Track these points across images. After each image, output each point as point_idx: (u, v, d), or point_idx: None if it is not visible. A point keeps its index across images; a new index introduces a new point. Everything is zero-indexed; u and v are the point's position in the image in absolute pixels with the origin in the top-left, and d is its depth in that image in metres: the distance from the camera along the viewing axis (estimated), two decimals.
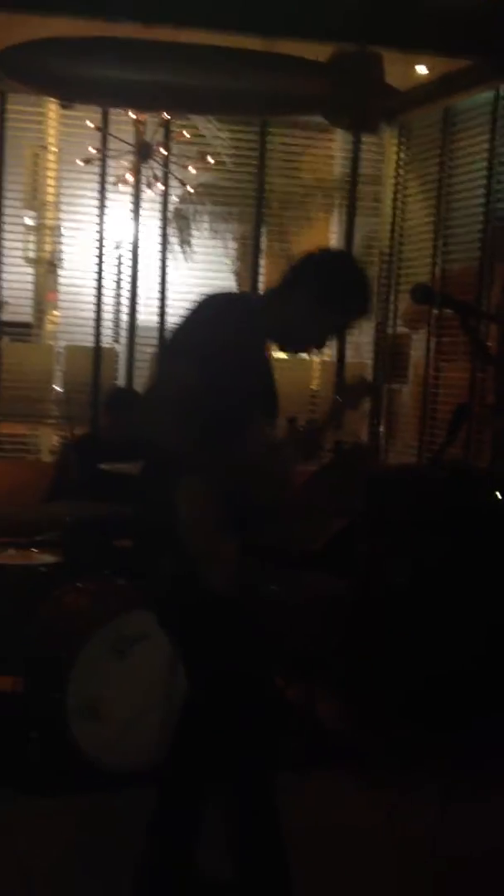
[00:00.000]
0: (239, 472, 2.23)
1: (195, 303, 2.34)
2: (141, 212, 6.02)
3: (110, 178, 5.90)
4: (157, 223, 6.13)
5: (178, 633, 2.43)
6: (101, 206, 5.96)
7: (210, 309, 2.34)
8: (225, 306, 2.37)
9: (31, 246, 6.66)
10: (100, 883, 2.63)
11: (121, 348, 6.57)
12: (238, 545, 2.22)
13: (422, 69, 5.74)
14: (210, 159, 6.13)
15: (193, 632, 2.31)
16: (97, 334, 6.04)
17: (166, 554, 2.24)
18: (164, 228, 6.17)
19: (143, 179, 5.83)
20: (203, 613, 2.25)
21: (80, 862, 2.80)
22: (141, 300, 6.13)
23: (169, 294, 6.15)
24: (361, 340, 6.54)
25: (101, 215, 5.97)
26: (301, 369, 6.29)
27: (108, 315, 6.32)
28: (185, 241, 6.59)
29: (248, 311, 2.38)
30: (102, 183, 5.90)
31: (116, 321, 7.01)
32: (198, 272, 6.61)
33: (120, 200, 6.01)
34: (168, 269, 6.14)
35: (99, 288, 6.01)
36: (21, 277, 6.23)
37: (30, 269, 6.62)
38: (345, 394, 2.67)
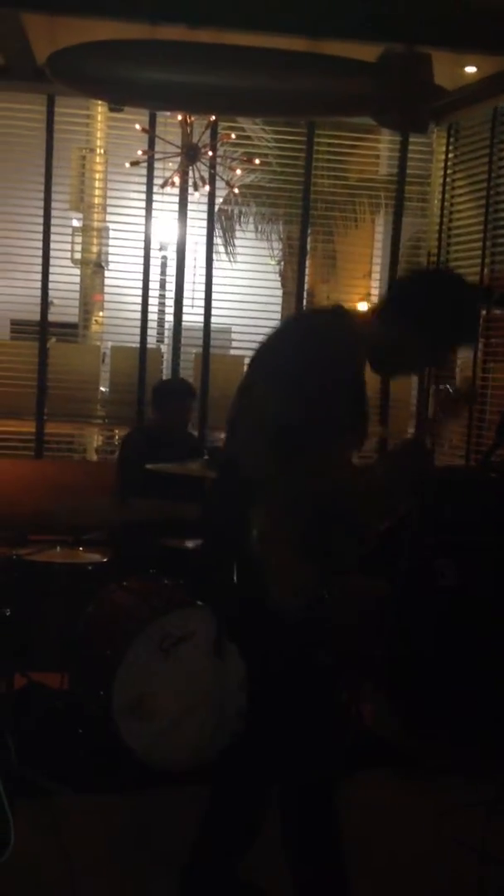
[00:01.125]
0: (322, 498, 2.14)
1: (287, 322, 2.21)
2: (187, 213, 6.04)
3: (157, 180, 5.93)
4: (203, 224, 6.15)
5: (247, 650, 2.41)
6: (148, 208, 5.99)
7: (304, 331, 2.23)
8: (321, 328, 2.22)
9: (78, 247, 6.73)
10: (143, 879, 2.63)
11: (165, 349, 6.61)
12: (314, 572, 2.17)
13: (470, 69, 5.68)
14: (256, 161, 6.13)
15: (261, 651, 2.29)
16: (142, 335, 6.07)
17: (238, 572, 2.21)
18: (209, 230, 6.18)
19: (190, 181, 5.85)
20: (270, 634, 2.21)
21: (124, 857, 2.81)
22: (186, 301, 6.15)
23: (214, 295, 6.16)
24: None
25: (147, 217, 6.00)
26: None
27: (153, 316, 6.35)
28: (228, 242, 6.60)
29: (345, 332, 2.20)
30: (149, 185, 5.94)
31: (161, 322, 7.06)
32: (243, 273, 6.62)
33: (166, 202, 6.04)
34: (214, 270, 6.15)
35: (145, 289, 6.04)
36: (68, 278, 6.29)
37: (76, 271, 6.69)
38: (447, 404, 2.51)
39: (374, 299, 6.38)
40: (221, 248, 6.61)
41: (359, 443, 2.27)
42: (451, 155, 6.34)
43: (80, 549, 4.03)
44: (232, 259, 6.67)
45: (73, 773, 3.21)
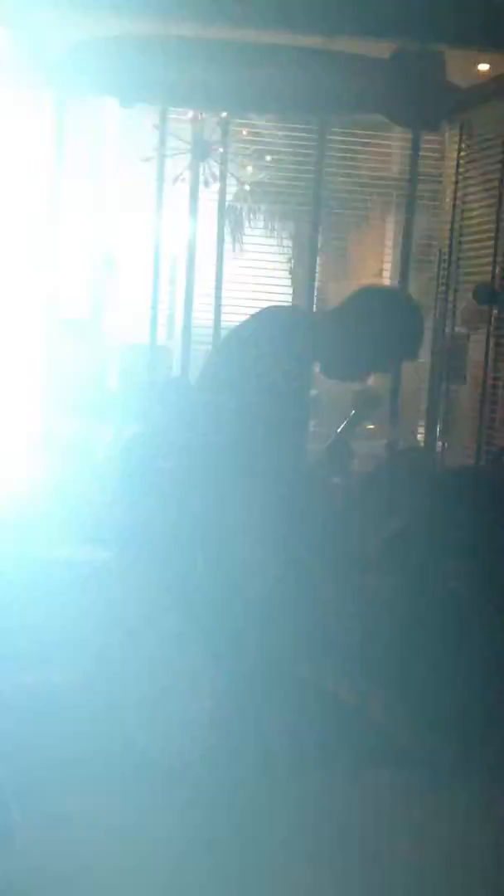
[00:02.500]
0: (285, 481, 2.24)
1: (254, 315, 2.36)
2: (198, 210, 6.02)
3: (168, 177, 5.91)
4: (214, 221, 6.13)
5: (213, 631, 2.44)
6: (159, 205, 5.97)
7: (265, 321, 2.39)
8: (280, 321, 2.40)
9: (90, 244, 6.73)
10: (154, 876, 2.62)
11: (175, 346, 6.60)
12: (280, 556, 2.23)
13: (483, 66, 5.66)
14: (268, 157, 6.12)
15: (227, 632, 2.31)
16: (152, 333, 6.06)
17: (205, 554, 2.26)
18: (220, 227, 6.17)
19: (200, 178, 5.84)
20: (234, 615, 2.25)
21: (136, 855, 2.80)
22: (196, 299, 6.14)
23: (225, 292, 6.15)
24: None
25: (157, 214, 5.98)
26: None
27: (163, 313, 6.34)
28: (236, 239, 6.60)
29: (290, 328, 2.36)
30: (160, 182, 5.92)
31: (171, 319, 7.06)
32: (254, 270, 6.60)
33: (177, 199, 6.03)
34: (224, 268, 6.13)
35: (155, 286, 6.03)
36: (78, 275, 6.27)
37: (87, 267, 6.70)
38: (360, 406, 2.66)
39: None
40: (232, 246, 6.59)
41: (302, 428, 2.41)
42: (463, 153, 6.30)
43: (90, 546, 4.02)
44: (237, 255, 6.65)
45: (84, 768, 3.20)
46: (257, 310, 2.41)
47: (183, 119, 5.87)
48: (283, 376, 2.25)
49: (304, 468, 2.43)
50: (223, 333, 6.07)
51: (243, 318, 6.22)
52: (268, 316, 2.39)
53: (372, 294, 2.47)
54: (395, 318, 2.38)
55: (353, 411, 2.63)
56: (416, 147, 6.11)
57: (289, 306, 2.38)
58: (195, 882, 2.50)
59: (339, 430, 2.59)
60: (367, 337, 2.34)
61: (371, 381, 2.74)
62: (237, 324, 2.40)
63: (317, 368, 2.53)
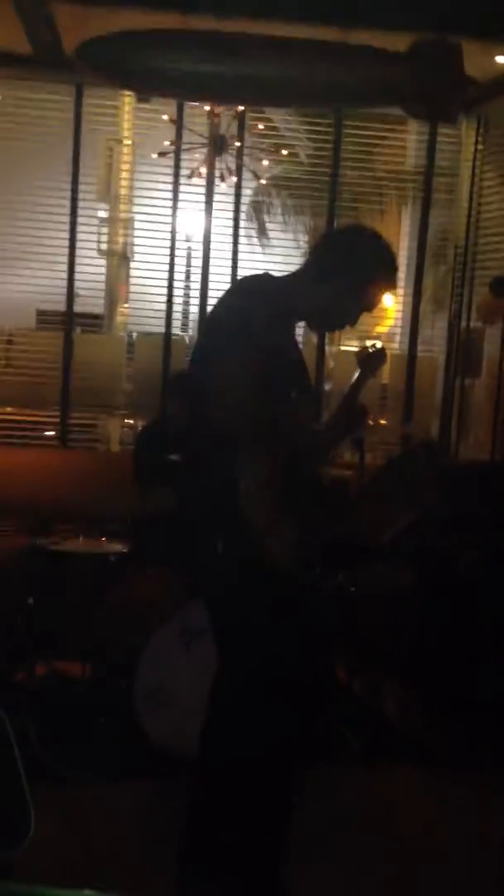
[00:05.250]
0: (289, 447, 2.26)
1: (230, 288, 2.39)
2: (214, 204, 6.02)
3: (184, 171, 5.91)
4: (230, 215, 6.13)
5: (218, 608, 2.45)
6: (175, 199, 5.97)
7: (240, 292, 2.42)
8: (253, 288, 2.40)
9: (104, 238, 6.73)
10: (161, 865, 2.63)
11: (190, 340, 6.60)
12: (292, 523, 2.24)
13: (501, 59, 5.61)
14: (284, 151, 6.10)
15: (233, 607, 2.33)
16: (167, 326, 6.06)
17: (219, 532, 2.27)
18: (236, 221, 6.16)
19: (217, 172, 5.83)
20: (246, 591, 2.27)
21: (142, 843, 2.82)
22: (212, 292, 6.14)
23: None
24: (434, 334, 6.45)
25: (173, 208, 5.98)
26: None
27: (178, 307, 6.34)
28: (262, 233, 6.57)
29: (277, 292, 2.38)
30: (176, 175, 5.92)
31: (185, 313, 7.05)
32: (269, 264, 6.59)
33: (193, 193, 6.02)
34: (239, 261, 6.13)
35: (170, 280, 6.03)
36: (93, 269, 6.29)
37: (102, 261, 6.70)
38: (364, 364, 2.67)
39: (401, 292, 6.33)
40: (247, 240, 6.56)
41: (307, 395, 2.42)
42: (480, 146, 6.27)
43: (103, 538, 4.04)
44: (261, 250, 6.63)
45: (93, 761, 3.22)
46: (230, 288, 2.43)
47: (199, 113, 5.86)
48: (270, 339, 2.26)
49: (313, 432, 2.44)
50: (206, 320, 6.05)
51: None
52: (242, 286, 2.41)
53: (335, 236, 2.49)
54: (364, 250, 2.39)
55: (358, 371, 2.63)
56: (432, 140, 6.08)
57: (261, 273, 2.38)
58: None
59: (347, 391, 2.60)
60: (343, 277, 2.35)
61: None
62: (215, 305, 2.41)
63: (302, 327, 2.56)
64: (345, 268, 2.37)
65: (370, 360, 2.67)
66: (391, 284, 2.50)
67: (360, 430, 2.75)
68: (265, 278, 2.42)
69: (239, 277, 2.47)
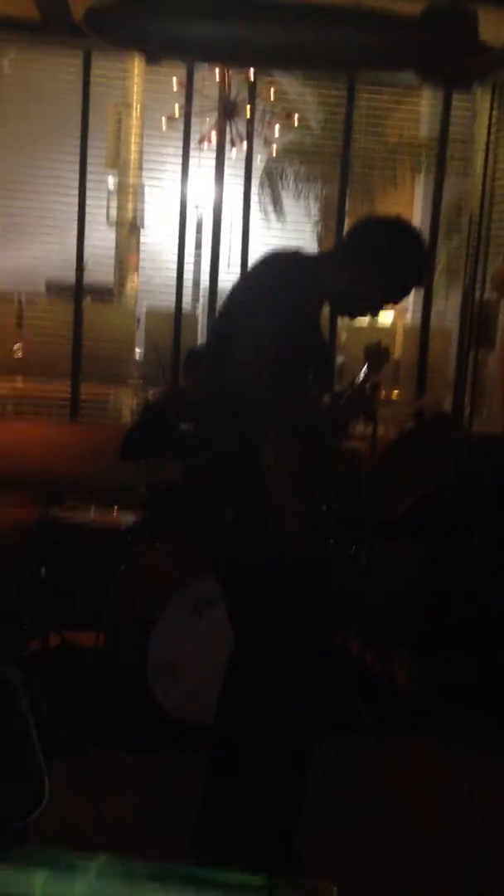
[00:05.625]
0: (308, 426, 2.25)
1: (256, 260, 2.34)
2: (225, 172, 5.94)
3: (194, 137, 5.83)
4: (241, 183, 6.05)
5: (232, 582, 2.45)
6: (185, 167, 5.90)
7: (269, 266, 2.36)
8: (284, 264, 2.37)
9: (114, 208, 6.67)
10: (175, 837, 2.64)
11: (201, 311, 6.55)
12: (309, 501, 2.22)
13: None
14: (295, 116, 6.01)
15: (247, 581, 2.32)
16: (178, 297, 6.01)
17: (231, 503, 2.26)
18: (247, 189, 6.08)
19: (227, 138, 5.74)
20: (257, 563, 2.26)
21: (155, 814, 2.83)
22: (223, 263, 6.07)
23: (251, 256, 6.07)
24: (447, 306, 6.39)
25: (184, 175, 5.91)
26: (384, 336, 6.18)
27: (188, 277, 6.28)
28: (273, 202, 6.50)
29: (307, 270, 2.37)
30: (186, 142, 5.84)
31: (196, 283, 6.99)
32: (281, 233, 6.52)
33: (204, 161, 5.95)
34: (251, 231, 6.05)
35: (181, 250, 5.97)
36: (103, 239, 6.23)
37: (112, 232, 6.64)
38: (372, 360, 2.64)
39: None
40: (268, 207, 6.48)
41: (325, 375, 2.40)
42: (495, 114, 6.16)
43: (115, 509, 4.03)
44: (274, 219, 6.56)
45: (106, 731, 3.23)
46: (261, 255, 2.38)
47: (209, 78, 5.77)
48: (297, 314, 2.24)
49: (324, 413, 2.42)
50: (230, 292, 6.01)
51: None
52: (276, 259, 2.37)
53: (374, 225, 2.44)
54: (400, 245, 2.35)
55: (365, 367, 2.61)
56: (446, 108, 5.98)
57: (291, 249, 2.35)
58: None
59: (353, 386, 2.57)
60: (374, 267, 2.32)
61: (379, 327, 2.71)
62: (241, 277, 2.38)
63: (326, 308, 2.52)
64: (378, 258, 2.34)
65: (377, 357, 2.64)
66: (420, 283, 2.48)
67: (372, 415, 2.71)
68: (298, 254, 2.39)
69: (267, 250, 2.42)
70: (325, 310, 2.51)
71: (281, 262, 2.38)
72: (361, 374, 2.61)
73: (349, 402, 2.51)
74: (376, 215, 2.55)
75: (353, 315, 2.55)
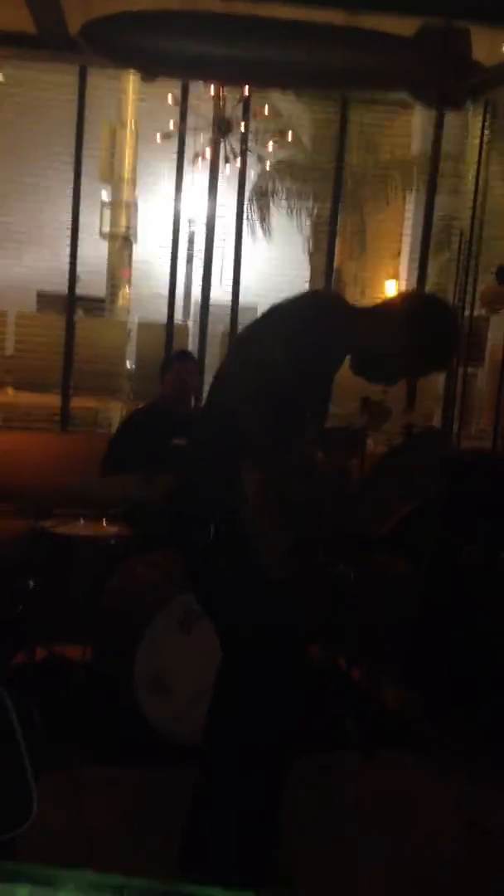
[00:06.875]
0: (293, 464, 2.25)
1: (302, 294, 2.35)
2: (218, 188, 5.98)
3: (188, 154, 5.86)
4: (234, 199, 6.09)
5: (212, 597, 2.47)
6: (178, 182, 5.94)
7: (316, 305, 2.38)
8: (331, 307, 2.39)
9: (107, 221, 6.70)
10: (160, 850, 2.64)
11: (192, 325, 6.58)
12: (290, 535, 2.23)
13: None
14: (289, 133, 6.05)
15: (227, 597, 2.35)
16: (170, 310, 6.03)
17: (214, 523, 2.27)
18: (240, 205, 6.12)
19: (221, 155, 5.78)
20: (238, 583, 2.28)
21: (142, 828, 2.82)
22: (215, 277, 6.10)
23: (243, 271, 6.10)
24: None
25: (177, 191, 5.95)
26: None
27: (180, 291, 6.30)
28: (264, 218, 6.54)
29: (349, 319, 2.37)
30: (180, 158, 5.88)
31: (188, 297, 7.02)
32: (272, 249, 6.56)
33: (197, 176, 5.98)
34: (243, 246, 6.09)
35: (173, 264, 6.00)
36: (96, 252, 6.25)
37: (104, 244, 6.67)
38: (372, 415, 2.64)
39: (403, 279, 6.31)
40: (257, 224, 6.53)
41: (312, 430, 2.38)
42: (487, 133, 6.22)
43: (104, 522, 4.02)
44: (264, 235, 6.61)
45: (92, 745, 3.22)
46: (298, 292, 2.39)
47: (204, 96, 5.82)
48: (322, 356, 2.24)
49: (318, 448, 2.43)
50: (240, 312, 6.05)
51: (258, 298, 6.24)
52: (315, 297, 2.39)
53: (418, 299, 2.46)
54: (442, 328, 2.35)
55: (366, 419, 2.61)
56: (438, 126, 6.04)
57: (335, 294, 2.37)
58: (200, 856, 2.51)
59: (347, 431, 2.57)
60: (410, 343, 2.31)
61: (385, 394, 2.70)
62: (279, 301, 2.36)
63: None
64: (414, 334, 2.33)
65: (379, 415, 2.63)
66: (444, 368, 2.50)
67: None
68: (344, 300, 2.41)
69: (312, 290, 2.45)
70: None
71: (328, 304, 2.39)
72: (358, 424, 2.60)
73: (340, 443, 2.51)
74: (420, 291, 2.58)
75: (369, 377, 2.51)
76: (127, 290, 6.99)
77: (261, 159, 6.06)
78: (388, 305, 2.47)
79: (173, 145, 5.87)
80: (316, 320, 2.27)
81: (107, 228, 6.73)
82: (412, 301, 2.48)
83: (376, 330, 2.37)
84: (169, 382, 4.45)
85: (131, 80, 6.18)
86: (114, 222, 6.75)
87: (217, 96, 5.72)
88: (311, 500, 2.36)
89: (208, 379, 4.46)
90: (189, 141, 5.87)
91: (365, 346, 2.38)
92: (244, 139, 5.84)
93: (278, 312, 2.33)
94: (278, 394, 2.14)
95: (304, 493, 2.30)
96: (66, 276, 5.82)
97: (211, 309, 6.13)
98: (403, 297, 2.47)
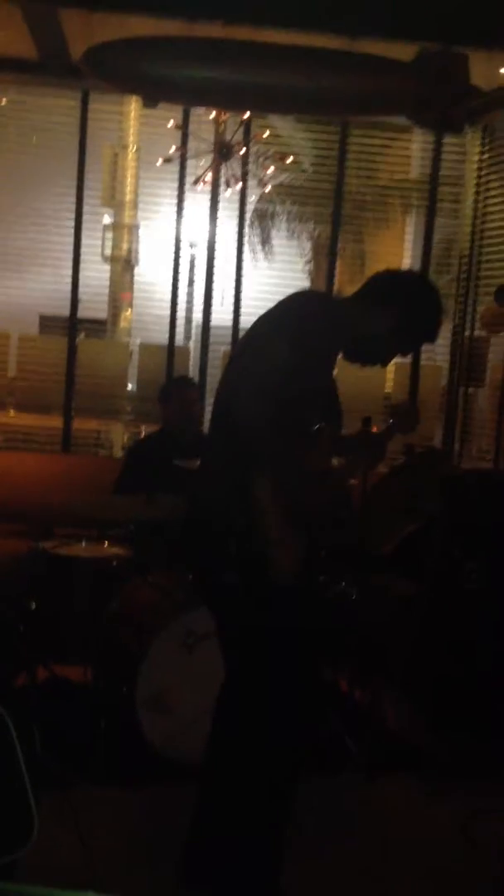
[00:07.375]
0: (304, 469, 2.26)
1: (286, 297, 2.37)
2: (219, 211, 6.03)
3: (189, 178, 5.92)
4: (235, 222, 6.14)
5: (229, 613, 2.45)
6: (179, 206, 5.99)
7: (302, 303, 2.39)
8: (317, 303, 2.43)
9: (109, 244, 6.75)
10: (161, 871, 2.62)
11: (193, 347, 6.61)
12: (303, 540, 2.23)
13: None
14: (290, 158, 6.11)
15: (244, 613, 2.34)
16: (171, 333, 6.07)
17: (230, 537, 2.27)
18: (240, 228, 6.17)
19: (222, 179, 5.84)
20: (257, 595, 2.28)
21: (142, 849, 2.80)
22: (216, 299, 6.14)
23: (244, 293, 6.15)
24: (437, 343, 6.46)
25: (178, 215, 6.00)
26: (375, 371, 6.23)
27: (181, 314, 6.34)
28: (265, 241, 6.59)
29: (337, 313, 2.42)
30: (181, 182, 5.93)
31: (189, 320, 7.06)
32: (273, 272, 6.60)
33: (198, 200, 6.03)
34: (244, 269, 6.13)
35: (174, 287, 6.04)
36: (97, 275, 6.29)
37: (106, 267, 6.71)
38: (398, 418, 2.66)
39: None
40: (258, 246, 6.58)
41: (329, 435, 2.40)
42: (485, 156, 6.29)
43: (105, 543, 4.03)
44: (268, 258, 6.65)
45: (94, 766, 3.21)
46: (291, 294, 2.41)
47: (205, 120, 5.88)
48: (318, 354, 2.27)
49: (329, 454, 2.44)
50: (241, 334, 6.08)
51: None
52: (299, 297, 2.41)
53: (393, 276, 2.49)
54: (418, 296, 2.40)
55: (392, 421, 2.62)
56: (437, 149, 6.10)
57: (318, 291, 2.39)
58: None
59: (372, 434, 2.58)
60: (391, 316, 2.36)
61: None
62: (266, 311, 2.39)
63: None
64: (400, 311, 2.39)
65: (407, 419, 2.66)
66: (434, 337, 2.53)
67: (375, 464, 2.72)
68: (330, 297, 2.44)
69: (297, 290, 2.46)
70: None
71: (314, 303, 2.41)
72: (384, 427, 2.61)
73: (363, 447, 2.52)
74: (398, 271, 2.61)
75: (364, 362, 2.55)
76: (128, 312, 7.03)
77: (261, 182, 6.11)
78: (366, 288, 2.51)
79: (175, 169, 5.93)
80: (305, 316, 2.30)
81: (108, 251, 6.77)
82: (386, 279, 2.50)
83: (364, 315, 2.41)
84: (172, 412, 4.49)
85: (133, 105, 6.25)
86: (115, 245, 6.80)
87: (218, 120, 5.78)
88: (326, 507, 2.37)
89: (210, 401, 4.49)
90: (190, 165, 5.92)
91: (356, 333, 2.42)
92: (245, 162, 5.89)
93: (266, 319, 2.35)
94: (280, 397, 2.15)
95: (318, 500, 2.32)
96: (69, 298, 5.87)
97: (212, 331, 6.17)
98: (377, 278, 2.49)
